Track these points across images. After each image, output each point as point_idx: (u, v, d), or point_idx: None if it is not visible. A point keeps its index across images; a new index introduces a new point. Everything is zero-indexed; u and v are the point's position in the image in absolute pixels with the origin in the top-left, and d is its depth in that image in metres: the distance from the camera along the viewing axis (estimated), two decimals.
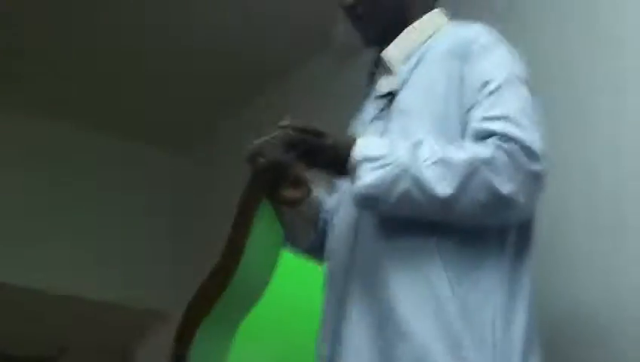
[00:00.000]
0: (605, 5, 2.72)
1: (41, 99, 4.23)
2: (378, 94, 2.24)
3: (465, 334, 1.93)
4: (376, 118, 2.21)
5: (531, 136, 1.98)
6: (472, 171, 1.94)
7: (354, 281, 2.07)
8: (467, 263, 1.99)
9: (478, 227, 2.00)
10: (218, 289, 4.09)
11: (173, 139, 4.54)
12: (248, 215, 3.98)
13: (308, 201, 2.27)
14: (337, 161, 2.03)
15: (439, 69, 2.13)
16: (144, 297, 4.42)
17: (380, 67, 2.29)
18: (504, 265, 2.01)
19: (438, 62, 2.14)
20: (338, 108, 2.43)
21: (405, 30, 2.27)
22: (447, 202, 1.94)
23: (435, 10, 2.32)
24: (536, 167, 1.96)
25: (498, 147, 1.95)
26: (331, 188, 2.31)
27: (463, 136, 2.05)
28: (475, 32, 2.17)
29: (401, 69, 2.21)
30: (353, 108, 2.39)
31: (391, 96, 2.18)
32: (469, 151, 1.96)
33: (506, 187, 1.93)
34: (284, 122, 2.04)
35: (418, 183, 1.94)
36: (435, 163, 1.95)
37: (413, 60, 2.20)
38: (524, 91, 2.08)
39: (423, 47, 2.21)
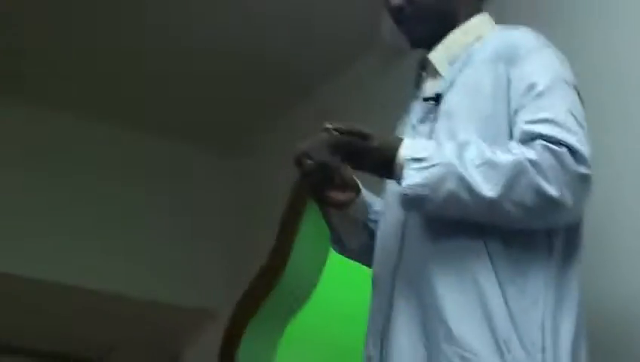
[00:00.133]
0: None
1: (91, 98, 4.28)
2: (424, 96, 2.25)
3: (513, 337, 1.92)
4: (422, 120, 2.21)
5: (578, 139, 1.98)
6: (518, 172, 1.94)
7: (401, 283, 2.08)
8: (515, 266, 1.99)
9: (525, 230, 2.00)
10: (266, 290, 4.15)
11: (223, 140, 4.56)
12: (296, 216, 4.03)
13: (355, 203, 2.27)
14: (383, 163, 2.03)
15: (486, 72, 2.13)
16: (193, 296, 4.44)
17: (426, 69, 2.30)
18: (552, 269, 2.01)
19: (484, 64, 2.14)
20: (385, 109, 2.44)
21: (452, 33, 2.27)
22: (493, 203, 1.94)
23: (482, 14, 2.32)
24: (583, 169, 1.96)
25: (545, 149, 1.95)
26: (379, 191, 2.31)
27: (509, 138, 2.05)
28: (522, 36, 2.17)
29: (447, 72, 2.21)
30: (400, 109, 2.39)
31: (437, 98, 2.18)
32: (515, 152, 1.96)
33: (553, 189, 1.93)
34: (330, 124, 2.04)
35: (465, 184, 1.95)
36: (481, 164, 1.95)
37: (460, 63, 2.20)
38: (570, 94, 2.08)
39: (470, 51, 2.21)
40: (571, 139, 1.97)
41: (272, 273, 4.16)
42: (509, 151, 1.97)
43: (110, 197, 4.35)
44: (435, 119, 2.16)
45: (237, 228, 4.48)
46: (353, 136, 2.04)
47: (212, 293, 4.43)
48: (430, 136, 2.13)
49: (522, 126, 2.02)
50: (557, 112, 2.01)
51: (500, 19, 2.35)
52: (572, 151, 1.96)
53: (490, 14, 2.33)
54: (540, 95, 2.04)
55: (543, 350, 1.93)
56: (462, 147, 1.99)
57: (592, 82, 2.44)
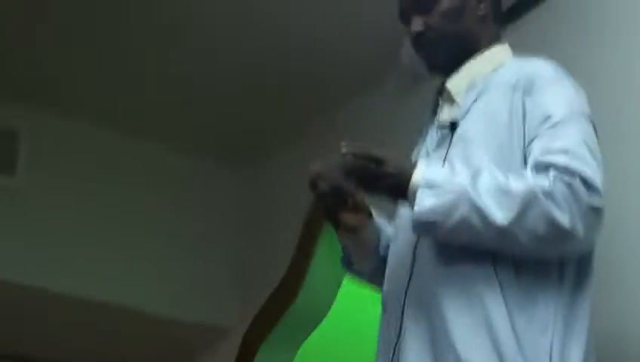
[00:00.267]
0: None
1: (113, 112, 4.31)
2: (440, 123, 2.26)
3: None
4: (437, 146, 2.22)
5: (591, 170, 1.99)
6: (531, 201, 1.95)
7: (410, 306, 2.09)
8: (525, 293, 2.00)
9: (537, 258, 2.01)
10: (280, 310, 4.15)
11: (237, 156, 4.57)
12: (312, 238, 4.03)
13: (367, 227, 2.29)
14: (397, 187, 2.04)
15: (502, 100, 2.14)
16: (207, 313, 4.44)
17: (443, 96, 2.31)
18: (563, 298, 2.01)
19: (501, 93, 2.16)
20: (404, 132, 2.45)
21: (471, 60, 2.29)
22: (504, 230, 1.95)
23: (502, 43, 2.34)
24: (595, 200, 1.97)
25: (558, 179, 1.96)
26: (391, 216, 2.32)
27: (523, 167, 2.05)
28: (540, 67, 2.18)
29: (463, 99, 2.23)
30: (418, 133, 2.41)
31: (453, 125, 2.20)
32: (529, 181, 1.97)
33: (565, 219, 1.94)
34: (345, 148, 2.06)
35: (477, 210, 1.96)
36: (494, 191, 1.96)
37: (476, 91, 2.21)
38: (586, 126, 2.08)
39: (487, 79, 2.23)
40: (585, 170, 1.98)
41: (287, 293, 4.16)
42: (522, 179, 1.98)
43: (128, 212, 4.36)
44: (449, 145, 2.17)
45: (252, 246, 4.49)
46: (368, 160, 2.05)
47: (225, 311, 4.43)
48: (444, 162, 2.14)
49: (536, 155, 2.03)
50: (572, 143, 2.02)
51: (520, 48, 2.36)
52: (585, 182, 1.96)
53: (509, 44, 2.34)
54: (555, 125, 2.05)
55: None
56: (475, 173, 2.00)
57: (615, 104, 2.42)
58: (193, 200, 4.54)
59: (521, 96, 2.12)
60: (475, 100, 2.19)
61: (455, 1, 2.30)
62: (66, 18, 3.73)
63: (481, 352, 1.95)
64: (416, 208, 1.99)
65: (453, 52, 2.30)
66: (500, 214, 1.94)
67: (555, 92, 2.12)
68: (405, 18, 2.35)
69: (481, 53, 2.30)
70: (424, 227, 2.01)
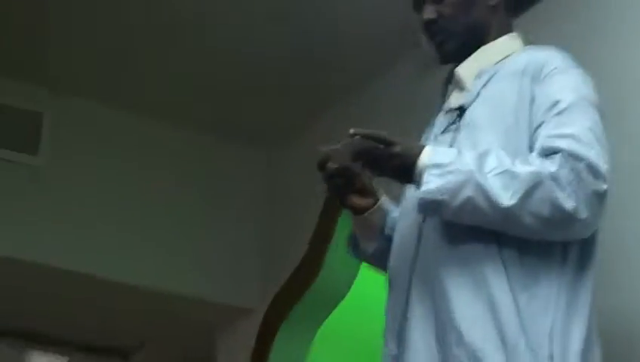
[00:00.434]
0: None
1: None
2: (449, 108, 2.29)
3: (521, 343, 1.97)
4: (445, 130, 2.25)
5: (597, 156, 2.02)
6: (536, 184, 1.98)
7: (415, 286, 2.13)
8: (528, 274, 2.03)
9: (540, 240, 2.04)
10: (301, 289, 4.17)
11: (266, 138, 4.59)
12: (331, 219, 4.05)
13: (374, 209, 2.31)
14: (404, 168, 2.08)
15: (510, 86, 2.17)
16: (228, 293, 4.46)
17: (452, 82, 2.34)
18: (565, 279, 2.04)
19: (509, 79, 2.19)
20: (421, 115, 2.46)
21: (481, 49, 2.31)
22: (509, 212, 1.98)
23: (513, 33, 2.36)
24: (600, 185, 2.00)
25: (564, 163, 1.99)
26: (398, 200, 2.35)
27: (530, 152, 2.08)
28: (549, 55, 2.21)
29: (472, 85, 2.25)
30: (432, 116, 2.42)
31: (461, 110, 2.23)
32: (535, 165, 2.01)
33: (569, 203, 1.97)
34: (352, 131, 2.09)
35: (482, 191, 1.99)
36: (500, 173, 2.00)
37: (485, 77, 2.24)
38: (593, 113, 2.11)
39: (497, 67, 2.26)
40: (590, 156, 2.01)
41: (308, 272, 4.18)
42: (528, 162, 2.02)
43: (150, 192, 4.39)
44: (457, 130, 2.20)
45: (273, 226, 4.51)
46: (376, 142, 2.08)
47: (247, 290, 4.45)
48: (452, 145, 2.17)
49: (543, 140, 2.06)
50: (578, 128, 2.05)
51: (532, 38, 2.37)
52: (590, 166, 1.99)
53: (521, 34, 2.36)
54: (562, 111, 2.08)
55: (551, 357, 1.97)
56: (482, 156, 2.03)
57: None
58: (217, 182, 4.56)
59: (529, 82, 2.15)
60: (484, 86, 2.22)
61: None
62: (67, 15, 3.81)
63: (484, 331, 1.99)
64: (422, 188, 2.03)
65: (464, 41, 2.32)
66: (505, 196, 1.98)
67: (564, 79, 2.15)
68: (418, 6, 2.37)
69: (492, 42, 2.32)
70: (430, 206, 2.04)
